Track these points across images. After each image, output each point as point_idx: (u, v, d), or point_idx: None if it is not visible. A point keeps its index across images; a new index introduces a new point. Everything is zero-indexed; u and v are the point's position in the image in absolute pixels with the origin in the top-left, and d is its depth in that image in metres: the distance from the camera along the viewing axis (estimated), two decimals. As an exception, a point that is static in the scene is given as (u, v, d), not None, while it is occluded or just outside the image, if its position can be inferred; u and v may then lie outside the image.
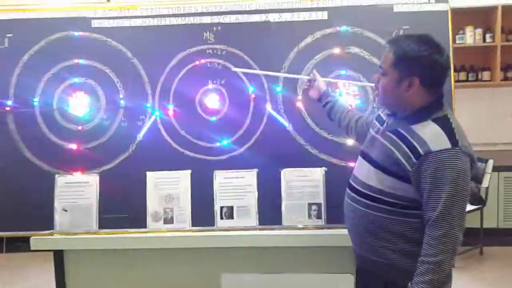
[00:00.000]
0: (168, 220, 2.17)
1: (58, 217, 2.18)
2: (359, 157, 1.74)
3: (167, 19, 2.22)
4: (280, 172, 2.16)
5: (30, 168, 2.20)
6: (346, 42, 2.17)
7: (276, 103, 2.20)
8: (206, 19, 2.21)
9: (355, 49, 2.17)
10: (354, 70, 2.17)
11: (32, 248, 2.17)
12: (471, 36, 4.48)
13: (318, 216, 2.14)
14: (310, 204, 2.15)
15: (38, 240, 2.17)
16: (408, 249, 1.56)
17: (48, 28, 2.23)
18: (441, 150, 1.45)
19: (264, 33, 2.20)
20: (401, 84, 1.54)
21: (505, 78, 4.55)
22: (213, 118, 2.21)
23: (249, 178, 2.17)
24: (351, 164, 2.00)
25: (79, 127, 2.22)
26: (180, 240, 2.14)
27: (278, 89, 2.19)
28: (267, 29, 2.20)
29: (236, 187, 2.17)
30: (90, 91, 2.23)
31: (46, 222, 2.18)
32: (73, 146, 2.21)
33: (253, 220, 2.16)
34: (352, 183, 1.72)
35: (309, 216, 2.15)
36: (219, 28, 2.20)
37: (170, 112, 2.21)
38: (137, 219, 2.17)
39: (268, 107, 2.20)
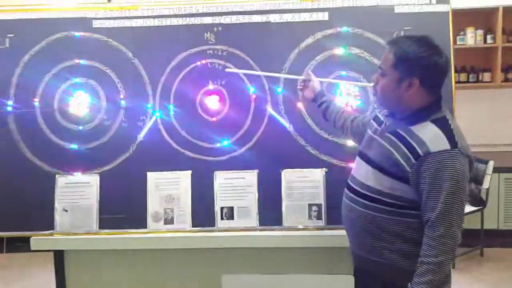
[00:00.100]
0: (169, 221, 2.17)
1: (58, 217, 2.18)
2: (357, 158, 1.74)
3: (168, 20, 2.22)
4: (280, 173, 2.16)
5: (31, 168, 2.20)
6: (346, 43, 2.17)
7: (277, 104, 2.20)
8: (207, 20, 2.21)
9: (355, 50, 2.17)
10: (354, 71, 2.16)
11: (32, 248, 2.17)
12: (472, 37, 4.47)
13: (319, 217, 2.14)
14: (310, 205, 2.15)
15: (38, 240, 2.17)
16: (407, 249, 1.56)
17: (49, 29, 2.23)
18: (440, 151, 1.46)
19: (265, 34, 2.20)
20: (400, 85, 1.55)
21: (506, 80, 4.54)
22: (214, 119, 2.21)
23: (249, 178, 2.17)
24: (352, 165, 1.99)
25: (80, 128, 2.22)
26: (180, 241, 2.14)
27: (279, 89, 2.19)
28: (267, 29, 2.20)
29: (236, 188, 2.17)
30: (90, 91, 2.23)
31: (46, 222, 2.18)
32: (74, 147, 2.21)
33: (254, 221, 2.16)
34: (350, 184, 1.72)
35: (310, 217, 2.15)
36: (220, 28, 2.21)
37: (171, 113, 2.21)
38: (138, 219, 2.17)
39: (269, 108, 2.19)
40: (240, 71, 2.16)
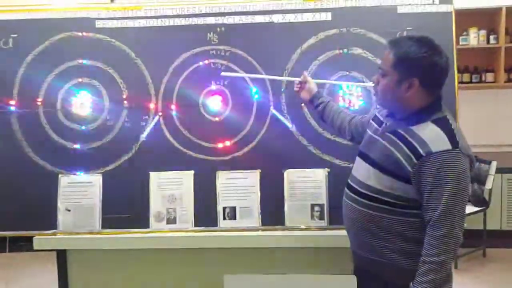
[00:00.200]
0: (171, 221, 2.18)
1: (61, 217, 2.19)
2: (357, 157, 1.74)
3: (170, 20, 2.23)
4: (283, 173, 2.16)
5: (34, 168, 2.20)
6: (349, 43, 2.17)
7: (279, 104, 2.20)
8: (210, 20, 2.21)
9: (358, 50, 2.17)
10: (357, 71, 2.16)
11: (35, 248, 2.18)
12: (475, 38, 4.47)
13: (321, 217, 2.14)
14: (313, 205, 2.15)
15: (41, 239, 2.17)
16: (408, 248, 1.57)
17: (52, 29, 2.23)
18: (442, 151, 1.46)
19: (268, 34, 2.20)
20: (401, 85, 1.55)
21: (509, 80, 4.54)
22: (216, 119, 2.21)
23: (252, 178, 2.17)
24: (354, 165, 2.00)
25: (83, 127, 2.23)
26: (182, 241, 2.15)
27: (282, 89, 2.19)
28: (270, 30, 2.20)
29: (239, 188, 2.17)
30: (93, 91, 2.23)
31: (49, 221, 2.18)
32: (77, 146, 2.22)
33: (256, 221, 2.16)
34: (351, 183, 1.72)
35: (312, 217, 2.15)
36: (222, 29, 2.21)
37: (173, 113, 2.21)
38: (140, 219, 2.17)
39: (271, 108, 2.20)
40: (235, 75, 2.16)
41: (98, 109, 2.23)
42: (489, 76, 4.57)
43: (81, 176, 2.21)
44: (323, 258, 2.10)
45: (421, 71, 1.52)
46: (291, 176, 2.16)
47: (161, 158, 2.20)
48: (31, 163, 2.21)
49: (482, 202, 3.95)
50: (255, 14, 2.21)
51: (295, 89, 2.09)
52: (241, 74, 2.17)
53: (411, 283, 1.49)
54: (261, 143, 2.19)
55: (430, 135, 1.50)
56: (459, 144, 1.48)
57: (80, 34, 2.24)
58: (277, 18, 2.20)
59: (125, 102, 2.22)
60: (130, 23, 2.23)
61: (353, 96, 2.18)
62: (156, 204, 2.18)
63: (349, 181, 1.75)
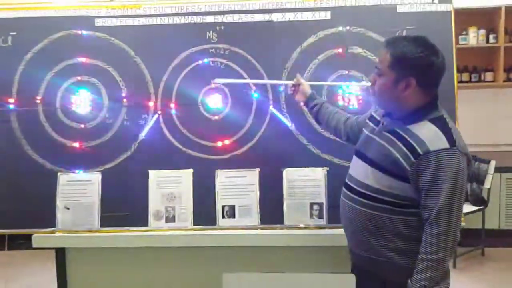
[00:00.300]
0: (170, 219, 2.18)
1: (60, 215, 2.19)
2: (354, 157, 1.75)
3: (170, 18, 2.23)
4: (282, 172, 2.16)
5: (33, 166, 2.20)
6: (349, 42, 2.17)
7: (279, 103, 2.20)
8: (209, 18, 2.21)
9: (358, 49, 2.17)
10: (357, 70, 2.16)
11: (34, 246, 2.18)
12: (474, 37, 4.47)
13: (320, 216, 2.15)
14: (311, 204, 2.15)
15: (40, 237, 2.17)
16: (405, 247, 1.58)
17: (51, 27, 2.23)
18: (439, 150, 1.47)
19: (267, 33, 2.20)
20: (398, 85, 1.55)
21: (508, 79, 4.54)
22: (216, 117, 2.21)
23: (251, 177, 2.17)
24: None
25: (82, 126, 2.23)
26: (181, 239, 2.15)
27: (281, 88, 2.19)
28: (270, 28, 2.20)
29: (238, 186, 2.17)
30: (92, 89, 2.23)
31: (48, 220, 2.18)
32: (76, 145, 2.22)
33: (255, 220, 2.16)
34: (348, 182, 1.73)
35: (311, 215, 2.15)
36: (222, 27, 2.21)
37: (173, 111, 2.21)
38: (139, 217, 2.17)
39: (271, 107, 2.20)
40: (228, 81, 2.15)
41: (97, 107, 2.23)
42: (488, 76, 4.57)
43: (80, 174, 2.21)
44: (322, 256, 2.10)
45: (418, 71, 1.53)
46: (290, 175, 2.16)
47: (160, 156, 2.20)
48: (30, 161, 2.21)
49: (480, 201, 3.95)
50: (254, 12, 2.21)
51: (289, 92, 2.10)
52: (233, 80, 2.16)
53: (409, 281, 1.50)
54: (260, 142, 2.19)
55: (428, 134, 1.51)
56: (456, 143, 1.49)
57: (79, 32, 2.23)
58: (276, 17, 2.20)
59: (124, 100, 2.22)
60: (130, 22, 2.23)
61: (352, 95, 2.18)
62: (155, 203, 2.18)
63: (346, 180, 1.75)
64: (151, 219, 2.18)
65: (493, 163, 3.90)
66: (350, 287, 1.57)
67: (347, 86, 2.17)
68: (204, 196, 2.17)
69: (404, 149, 1.53)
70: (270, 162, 2.17)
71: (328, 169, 2.16)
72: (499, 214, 4.29)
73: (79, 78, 2.23)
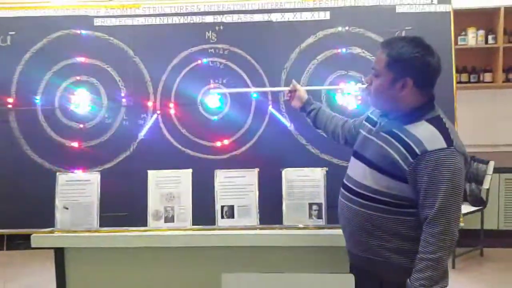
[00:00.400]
0: (169, 219, 2.17)
1: (59, 215, 2.19)
2: (352, 158, 1.76)
3: (169, 18, 2.22)
4: (281, 172, 2.16)
5: (32, 165, 2.20)
6: (348, 42, 2.17)
7: (278, 103, 2.20)
8: (209, 18, 2.21)
9: (357, 50, 2.17)
10: (356, 71, 2.16)
11: (32, 246, 2.17)
12: (473, 38, 4.48)
13: (319, 216, 2.15)
14: (310, 204, 2.15)
15: (39, 237, 2.17)
16: (403, 247, 1.58)
17: (50, 26, 2.23)
18: (437, 150, 1.48)
19: (267, 33, 2.20)
20: (394, 85, 1.56)
21: (507, 80, 4.54)
22: (215, 117, 2.21)
23: (250, 177, 2.17)
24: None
25: (81, 125, 2.22)
26: (180, 239, 2.14)
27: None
28: (269, 28, 2.20)
29: (237, 187, 2.17)
30: (91, 89, 2.23)
31: (47, 220, 2.18)
32: (75, 144, 2.21)
33: (254, 220, 2.16)
34: (346, 183, 1.74)
35: (310, 216, 2.15)
36: (221, 27, 2.21)
37: (172, 111, 2.21)
38: (138, 217, 2.17)
39: (270, 107, 2.20)
40: (226, 91, 2.16)
41: (96, 107, 2.22)
42: (487, 76, 4.57)
43: (79, 174, 2.21)
44: (321, 257, 2.10)
45: (415, 71, 1.54)
46: (289, 175, 2.16)
47: (159, 156, 2.19)
48: (29, 161, 2.20)
49: (479, 202, 3.96)
50: (253, 12, 2.21)
51: (286, 98, 2.11)
52: (229, 89, 2.17)
53: (408, 280, 1.51)
54: (259, 142, 2.19)
55: (425, 134, 1.52)
56: (453, 142, 1.50)
57: (78, 32, 2.23)
58: (275, 17, 2.20)
59: (124, 100, 2.22)
60: (129, 21, 2.23)
61: (351, 96, 2.18)
62: (154, 203, 2.18)
63: (344, 181, 1.76)
64: (150, 219, 2.18)
65: (492, 164, 3.91)
66: (349, 287, 1.57)
67: (343, 93, 2.17)
68: (203, 196, 2.17)
69: (402, 149, 1.53)
70: (269, 162, 2.17)
71: (327, 169, 2.16)
72: (498, 214, 4.29)
73: (78, 77, 2.23)
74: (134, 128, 2.21)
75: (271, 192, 2.16)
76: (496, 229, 4.30)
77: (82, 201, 2.19)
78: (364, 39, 2.17)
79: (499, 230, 4.31)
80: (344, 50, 2.18)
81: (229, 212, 2.17)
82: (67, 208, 2.19)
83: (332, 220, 2.10)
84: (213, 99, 2.20)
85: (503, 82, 4.51)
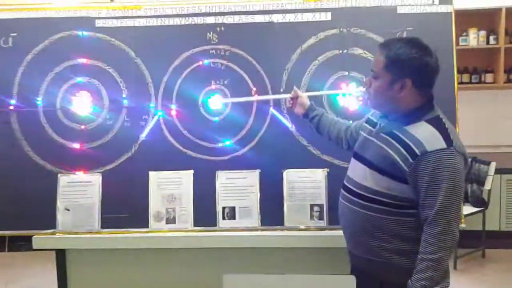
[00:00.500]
0: (170, 220, 2.17)
1: (60, 217, 2.19)
2: (352, 159, 1.76)
3: (170, 19, 2.23)
4: (282, 173, 2.16)
5: (33, 167, 2.20)
6: (349, 43, 2.17)
7: (279, 104, 2.20)
8: (210, 20, 2.21)
9: (358, 50, 2.17)
10: (357, 72, 2.16)
11: (34, 247, 2.17)
12: (474, 38, 4.47)
13: (320, 217, 2.14)
14: (312, 205, 2.15)
15: (40, 239, 2.17)
16: (404, 247, 1.58)
17: (51, 28, 2.23)
18: (437, 150, 1.49)
19: (268, 34, 2.20)
20: (393, 86, 1.57)
21: (508, 81, 4.53)
22: (216, 119, 2.21)
23: (251, 178, 2.17)
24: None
25: (82, 127, 2.22)
26: (182, 240, 2.14)
27: (281, 90, 2.19)
28: (270, 29, 2.20)
29: (238, 188, 2.17)
30: (93, 90, 2.23)
31: (48, 221, 2.18)
32: (76, 146, 2.21)
33: (255, 221, 2.16)
34: (347, 184, 1.74)
35: (311, 217, 2.15)
36: (222, 28, 2.21)
37: (173, 112, 2.21)
38: (139, 219, 2.17)
39: (271, 108, 2.20)
40: (229, 100, 2.17)
41: (98, 108, 2.22)
42: (489, 77, 4.56)
43: (80, 176, 2.21)
44: (322, 258, 2.10)
45: (413, 72, 1.55)
46: (290, 176, 2.16)
47: (160, 157, 2.19)
48: (30, 163, 2.20)
49: (481, 202, 3.95)
50: (255, 13, 2.21)
51: (288, 105, 2.11)
52: (232, 99, 2.17)
53: (409, 281, 1.51)
54: (260, 143, 2.19)
55: (425, 134, 1.52)
56: (453, 143, 1.51)
57: (80, 33, 2.23)
58: (277, 18, 2.20)
59: (125, 101, 2.22)
60: (130, 23, 2.23)
61: (353, 97, 2.18)
62: (155, 204, 2.18)
63: (345, 182, 1.76)
64: (151, 220, 2.18)
65: (493, 165, 3.90)
66: (350, 288, 1.57)
67: (344, 94, 2.17)
68: (204, 197, 2.17)
69: (402, 150, 1.54)
70: (271, 163, 2.17)
71: (328, 170, 2.16)
72: (500, 215, 4.29)
73: (79, 79, 2.23)
74: (136, 129, 2.21)
75: (272, 193, 2.16)
76: (497, 230, 4.29)
77: (84, 202, 2.19)
78: (365, 40, 2.17)
79: (501, 231, 4.30)
80: (345, 51, 2.18)
81: (231, 213, 2.17)
82: (68, 210, 2.19)
83: (334, 221, 2.10)
84: (214, 100, 2.20)
85: (505, 82, 4.50)
